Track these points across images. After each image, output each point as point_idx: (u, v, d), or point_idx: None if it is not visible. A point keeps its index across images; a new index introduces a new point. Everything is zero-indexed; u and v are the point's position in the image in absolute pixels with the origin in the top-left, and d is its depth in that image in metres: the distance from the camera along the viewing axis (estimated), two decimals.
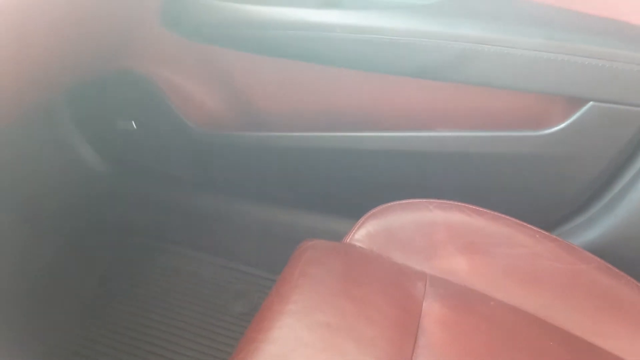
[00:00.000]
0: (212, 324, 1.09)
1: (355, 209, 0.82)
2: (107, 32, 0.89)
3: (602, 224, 0.87)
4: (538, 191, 0.91)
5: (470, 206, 0.78)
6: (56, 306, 1.11)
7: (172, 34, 0.95)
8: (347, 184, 1.02)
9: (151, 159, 1.21)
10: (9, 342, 1.02)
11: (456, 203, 0.78)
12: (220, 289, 1.16)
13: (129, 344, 1.06)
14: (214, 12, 0.88)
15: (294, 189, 1.09)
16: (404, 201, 0.80)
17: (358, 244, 0.77)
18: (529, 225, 0.76)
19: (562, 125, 0.81)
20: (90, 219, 1.27)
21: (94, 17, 0.83)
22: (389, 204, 0.80)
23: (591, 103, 0.78)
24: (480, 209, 0.78)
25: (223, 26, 0.89)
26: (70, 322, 1.09)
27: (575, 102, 0.80)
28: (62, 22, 0.76)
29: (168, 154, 1.17)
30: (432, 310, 0.64)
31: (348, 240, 0.77)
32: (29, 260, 1.14)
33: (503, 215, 0.77)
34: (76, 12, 0.78)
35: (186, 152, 1.14)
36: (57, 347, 1.06)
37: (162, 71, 1.03)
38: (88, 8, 0.80)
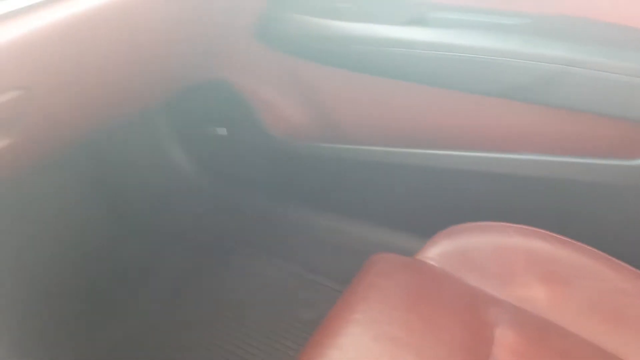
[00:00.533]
0: (280, 328, 1.12)
1: (429, 226, 0.82)
2: (205, 43, 0.96)
3: None
4: (626, 224, 0.85)
5: (552, 234, 0.75)
6: (137, 298, 1.19)
7: (264, 47, 1.00)
8: (422, 200, 1.01)
9: (236, 165, 1.27)
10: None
11: (537, 229, 0.76)
12: (290, 295, 1.19)
13: (199, 340, 1.11)
14: (304, 27, 0.92)
15: (368, 202, 1.10)
16: (481, 223, 0.79)
17: (430, 261, 0.76)
18: (615, 259, 0.72)
19: None
20: (173, 218, 1.35)
21: (194, 29, 0.90)
22: (465, 225, 0.79)
23: None
24: (563, 237, 0.74)
25: (311, 41, 0.92)
26: (148, 315, 1.16)
27: None
28: (166, 32, 0.84)
29: (251, 161, 1.22)
30: (505, 339, 0.62)
31: (420, 257, 0.77)
32: (114, 257, 1.24)
33: (587, 247, 0.73)
34: (178, 24, 0.85)
35: (268, 160, 1.18)
36: (138, 335, 1.13)
37: (252, 82, 1.08)
38: (189, 20, 0.87)
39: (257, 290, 1.21)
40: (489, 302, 0.69)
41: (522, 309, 0.69)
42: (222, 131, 1.22)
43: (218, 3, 0.90)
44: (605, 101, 0.75)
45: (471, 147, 0.91)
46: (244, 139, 1.19)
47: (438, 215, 0.87)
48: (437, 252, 0.77)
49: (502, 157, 0.88)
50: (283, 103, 1.08)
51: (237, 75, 1.07)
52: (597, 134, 0.81)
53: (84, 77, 0.72)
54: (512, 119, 0.86)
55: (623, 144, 0.81)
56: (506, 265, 0.73)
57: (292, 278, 1.22)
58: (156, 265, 1.26)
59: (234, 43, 1.00)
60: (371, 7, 0.89)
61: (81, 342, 1.07)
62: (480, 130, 0.90)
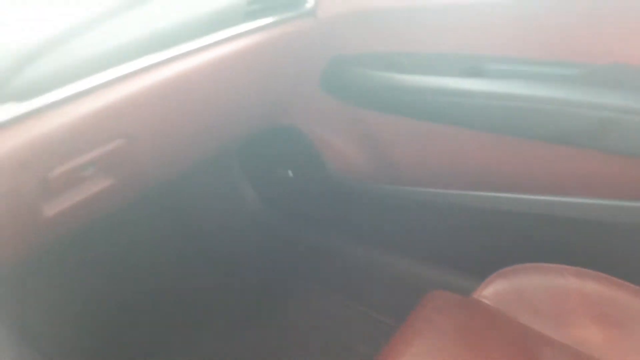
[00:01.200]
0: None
1: (485, 266, 0.84)
2: (277, 93, 1.07)
3: None
4: None
5: (607, 276, 0.76)
6: (202, 330, 1.27)
7: (329, 97, 1.09)
8: (478, 241, 1.04)
9: (301, 204, 1.35)
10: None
11: (592, 272, 0.77)
12: (347, 328, 1.23)
13: None
14: (367, 80, 1.01)
15: (425, 240, 1.14)
16: (537, 264, 0.81)
17: (485, 300, 0.79)
18: None
19: None
20: (241, 253, 1.44)
21: (268, 81, 1.01)
22: (521, 265, 0.81)
23: None
24: (619, 280, 0.75)
25: (374, 91, 1.00)
26: (212, 346, 1.23)
27: None
28: (246, 85, 0.95)
29: (315, 200, 1.30)
30: None
31: (475, 295, 0.80)
32: (184, 288, 1.33)
33: None
34: (255, 78, 0.96)
35: (330, 199, 1.26)
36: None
37: (317, 127, 1.17)
38: (264, 75, 0.98)
39: (317, 323, 1.26)
40: (544, 342, 0.71)
41: (576, 351, 0.70)
42: (289, 173, 1.31)
43: (288, 60, 1.00)
44: None
45: (527, 190, 0.94)
46: (308, 179, 1.28)
47: (494, 255, 0.90)
48: (492, 291, 0.80)
49: (557, 200, 0.90)
50: (346, 146, 1.16)
51: (303, 121, 1.17)
52: None
53: (178, 126, 0.84)
54: (566, 164, 0.88)
55: None
56: (561, 307, 0.75)
57: (350, 312, 1.27)
58: (222, 298, 1.33)
59: (302, 93, 1.10)
60: (429, 60, 0.95)
61: None
62: (535, 174, 0.93)
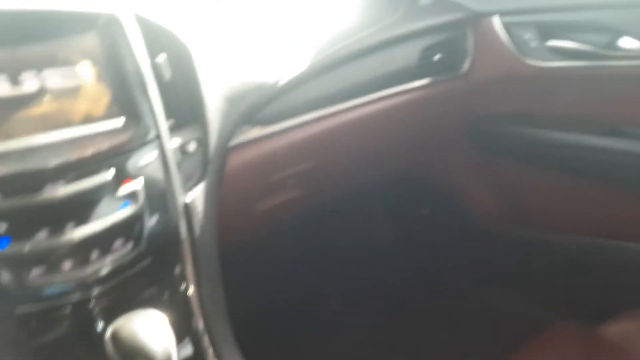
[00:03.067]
0: None
1: (609, 307, 0.91)
2: (427, 141, 1.26)
3: None
4: None
5: None
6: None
7: (473, 150, 1.26)
8: (603, 283, 1.10)
9: (433, 242, 1.50)
10: None
11: None
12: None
13: None
14: (513, 135, 1.15)
15: (551, 282, 1.21)
16: None
17: (610, 336, 0.87)
18: None
19: None
20: (367, 281, 1.55)
21: (422, 128, 1.20)
22: None
23: None
24: None
25: (518, 145, 1.15)
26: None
27: None
28: (401, 132, 1.15)
29: (447, 239, 1.44)
30: None
31: (601, 331, 0.88)
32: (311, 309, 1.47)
33: None
34: (409, 128, 1.16)
35: (462, 239, 1.39)
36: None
37: (458, 176, 1.34)
38: (419, 122, 1.17)
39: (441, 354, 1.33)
40: None
41: None
42: (425, 211, 1.48)
43: (440, 114, 1.19)
44: None
45: None
46: (443, 219, 1.43)
47: (621, 298, 0.96)
48: (618, 329, 0.87)
49: None
50: (482, 193, 1.31)
51: (448, 170, 1.34)
52: None
53: (349, 158, 1.06)
54: None
55: None
56: None
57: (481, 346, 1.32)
58: (342, 327, 1.42)
59: (450, 146, 1.28)
60: (570, 120, 1.08)
61: None
62: None
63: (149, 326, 0.53)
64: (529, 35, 1.07)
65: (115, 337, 0.52)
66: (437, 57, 1.10)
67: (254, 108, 0.82)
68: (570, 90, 1.07)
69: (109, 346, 0.52)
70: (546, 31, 1.05)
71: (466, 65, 1.16)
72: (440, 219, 1.45)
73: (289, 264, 1.44)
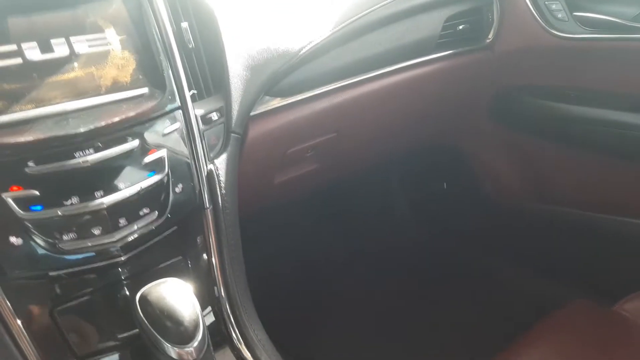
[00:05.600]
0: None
1: (626, 285, 0.92)
2: (447, 114, 1.25)
3: None
4: None
5: None
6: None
7: (493, 122, 1.24)
8: (621, 261, 1.10)
9: (449, 217, 1.50)
10: None
11: None
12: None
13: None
14: (536, 109, 1.14)
15: (569, 258, 1.21)
16: None
17: (625, 313, 0.87)
18: None
19: None
20: (386, 251, 1.57)
21: (443, 101, 1.19)
22: None
23: None
24: None
25: (540, 119, 1.13)
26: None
27: None
28: (426, 102, 1.13)
29: (463, 214, 1.45)
30: None
31: (616, 308, 0.88)
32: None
33: None
34: (436, 98, 1.15)
35: (478, 214, 1.39)
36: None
37: (477, 148, 1.33)
38: (443, 95, 1.16)
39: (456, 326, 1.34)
40: None
41: None
42: (442, 186, 1.48)
43: (462, 86, 1.17)
44: None
45: None
46: (461, 195, 1.43)
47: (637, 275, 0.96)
48: (634, 306, 0.87)
49: None
50: (502, 167, 1.30)
51: (465, 142, 1.33)
52: None
53: (369, 129, 1.06)
54: None
55: None
56: None
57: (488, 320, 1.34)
58: (360, 298, 1.45)
59: (468, 117, 1.27)
60: (595, 95, 1.06)
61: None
62: None
63: (176, 292, 0.55)
64: (556, 6, 1.04)
65: (144, 301, 0.54)
66: (461, 26, 1.08)
67: (276, 77, 0.82)
68: (597, 63, 1.05)
69: (137, 310, 0.53)
70: (573, 2, 1.03)
71: (491, 36, 1.14)
72: (457, 193, 1.44)
73: (304, 234, 1.46)
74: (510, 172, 1.27)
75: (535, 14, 1.07)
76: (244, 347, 0.68)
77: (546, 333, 0.83)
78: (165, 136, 0.63)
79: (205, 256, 0.69)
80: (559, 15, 1.05)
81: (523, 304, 1.32)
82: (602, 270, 1.17)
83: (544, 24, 1.06)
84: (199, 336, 0.52)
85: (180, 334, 0.52)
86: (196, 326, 0.53)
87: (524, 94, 1.16)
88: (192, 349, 0.52)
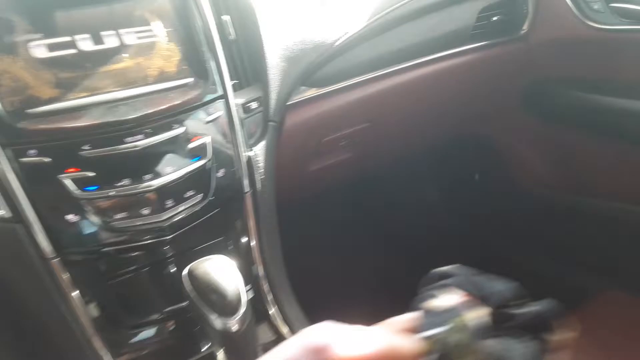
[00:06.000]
0: None
1: None
2: (480, 104, 1.25)
3: None
4: None
5: None
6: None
7: (526, 112, 1.24)
8: None
9: (481, 207, 1.50)
10: None
11: None
12: None
13: None
14: (571, 100, 1.13)
15: (598, 248, 1.20)
16: None
17: None
18: None
19: None
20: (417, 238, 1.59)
21: (475, 91, 1.19)
22: None
23: None
24: None
25: (575, 111, 1.12)
26: None
27: None
28: (455, 91, 1.14)
29: (495, 204, 1.44)
30: None
31: None
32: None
33: None
34: (465, 87, 1.15)
35: (512, 207, 1.39)
36: None
37: (509, 138, 1.32)
38: (473, 84, 1.16)
39: None
40: None
41: None
42: (473, 175, 1.48)
43: (495, 76, 1.17)
44: None
45: None
46: (492, 185, 1.43)
47: None
48: None
49: None
50: (534, 158, 1.29)
51: (499, 133, 1.32)
52: None
53: (402, 119, 1.07)
54: None
55: None
56: None
57: None
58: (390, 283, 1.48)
59: (501, 107, 1.27)
60: (629, 88, 1.04)
61: None
62: None
63: (221, 268, 0.58)
64: None
65: (191, 274, 0.57)
66: (495, 17, 1.08)
67: (312, 68, 0.84)
68: (633, 54, 1.03)
69: (186, 282, 0.57)
70: None
71: (525, 27, 1.13)
72: (488, 183, 1.44)
73: (337, 220, 1.48)
74: (543, 163, 1.27)
75: (571, 5, 1.06)
76: (282, 322, 0.71)
77: (579, 325, 0.84)
78: (208, 124, 0.66)
79: (245, 238, 0.72)
80: (595, 7, 1.05)
81: (555, 295, 1.33)
82: (635, 262, 1.16)
83: (579, 15, 1.05)
84: (242, 309, 0.56)
85: (225, 306, 0.55)
86: (239, 300, 0.56)
87: (559, 85, 1.15)
88: (236, 320, 0.55)
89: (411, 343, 0.32)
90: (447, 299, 0.31)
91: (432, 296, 0.32)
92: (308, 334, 0.32)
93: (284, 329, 0.71)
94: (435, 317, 0.30)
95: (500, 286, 0.32)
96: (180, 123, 0.63)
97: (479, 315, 0.30)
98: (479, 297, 0.31)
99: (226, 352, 0.57)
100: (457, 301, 0.31)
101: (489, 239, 1.49)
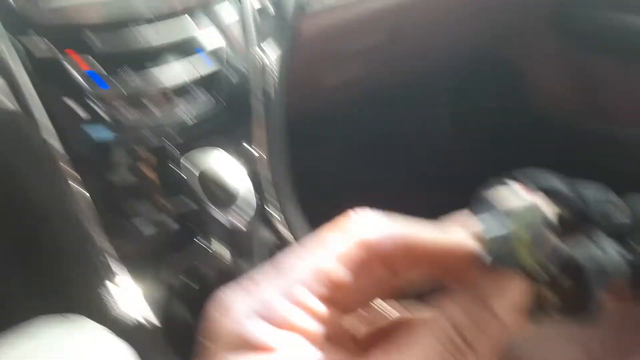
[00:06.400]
0: None
1: None
2: (505, 20, 1.19)
3: None
4: None
5: None
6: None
7: (556, 36, 1.18)
8: None
9: (492, 132, 1.47)
10: None
11: None
12: None
13: None
14: (603, 21, 1.06)
15: (627, 182, 1.19)
16: None
17: None
18: None
19: None
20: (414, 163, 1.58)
21: (498, 15, 1.13)
22: None
23: None
24: None
25: (607, 33, 1.06)
26: None
27: None
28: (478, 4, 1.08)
29: (507, 131, 1.42)
30: None
31: None
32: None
33: None
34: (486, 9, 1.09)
35: (527, 132, 1.36)
36: None
37: (533, 63, 1.27)
38: (488, 11, 1.09)
39: None
40: None
41: None
42: (489, 103, 1.44)
43: None
44: None
45: None
46: (508, 110, 1.39)
47: None
48: None
49: None
50: (558, 84, 1.25)
51: (523, 57, 1.27)
52: None
53: (422, 34, 1.04)
54: None
55: None
56: None
57: None
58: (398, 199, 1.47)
59: (528, 28, 1.21)
60: None
61: None
62: None
63: (232, 171, 0.59)
64: None
65: (203, 176, 0.59)
66: None
67: None
68: None
69: (197, 182, 0.59)
70: None
71: None
72: (507, 111, 1.41)
73: (345, 137, 1.47)
74: (568, 90, 1.22)
75: None
76: (286, 228, 0.73)
77: None
78: (223, 27, 0.65)
79: (255, 145, 0.73)
80: None
81: None
82: None
83: None
84: (249, 207, 0.57)
85: (226, 197, 0.57)
86: (245, 197, 0.58)
87: (590, 4, 1.09)
88: (241, 216, 0.57)
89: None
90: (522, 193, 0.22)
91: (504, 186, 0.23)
92: (349, 224, 0.23)
93: (290, 235, 0.73)
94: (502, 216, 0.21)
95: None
96: (195, 23, 0.61)
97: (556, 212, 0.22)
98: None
99: (232, 252, 0.60)
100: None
101: (505, 170, 1.48)
